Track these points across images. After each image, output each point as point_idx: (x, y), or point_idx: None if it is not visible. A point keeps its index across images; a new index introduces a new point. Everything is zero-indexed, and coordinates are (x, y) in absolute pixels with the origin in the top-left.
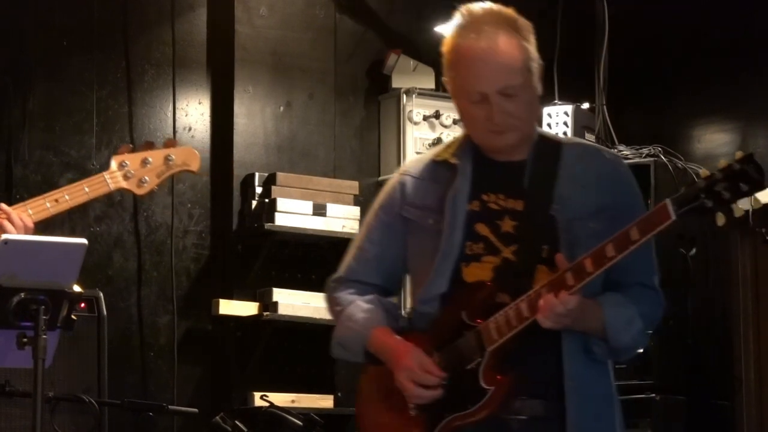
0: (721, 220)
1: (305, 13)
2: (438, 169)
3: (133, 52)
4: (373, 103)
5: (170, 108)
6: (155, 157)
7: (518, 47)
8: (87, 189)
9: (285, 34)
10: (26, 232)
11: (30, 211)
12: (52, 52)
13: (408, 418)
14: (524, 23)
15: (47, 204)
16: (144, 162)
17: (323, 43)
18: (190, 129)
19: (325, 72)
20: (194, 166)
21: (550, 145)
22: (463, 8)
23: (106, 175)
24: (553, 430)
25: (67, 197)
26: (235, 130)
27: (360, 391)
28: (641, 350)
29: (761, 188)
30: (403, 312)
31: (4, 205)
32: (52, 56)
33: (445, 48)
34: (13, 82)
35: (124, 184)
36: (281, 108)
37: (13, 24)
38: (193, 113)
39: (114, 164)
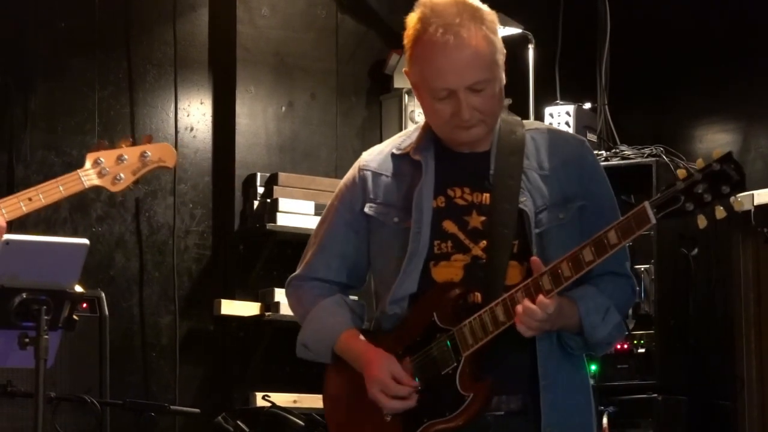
0: (702, 222)
1: (307, 13)
2: (399, 163)
3: (135, 52)
4: (375, 103)
5: (172, 108)
6: (130, 153)
7: (485, 40)
8: (61, 188)
9: (287, 34)
10: None
11: (3, 211)
12: (53, 52)
13: (383, 423)
14: (489, 13)
15: (21, 204)
16: (119, 159)
17: (325, 43)
18: (191, 129)
19: (327, 72)
20: (170, 162)
21: (513, 131)
22: (424, 0)
23: (80, 172)
24: (529, 424)
25: (41, 196)
26: (236, 130)
27: (327, 391)
28: (617, 344)
29: (742, 189)
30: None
31: None
32: (54, 56)
33: (406, 41)
34: (15, 82)
35: (98, 182)
36: (283, 108)
37: (15, 24)
38: (195, 113)
39: (89, 162)
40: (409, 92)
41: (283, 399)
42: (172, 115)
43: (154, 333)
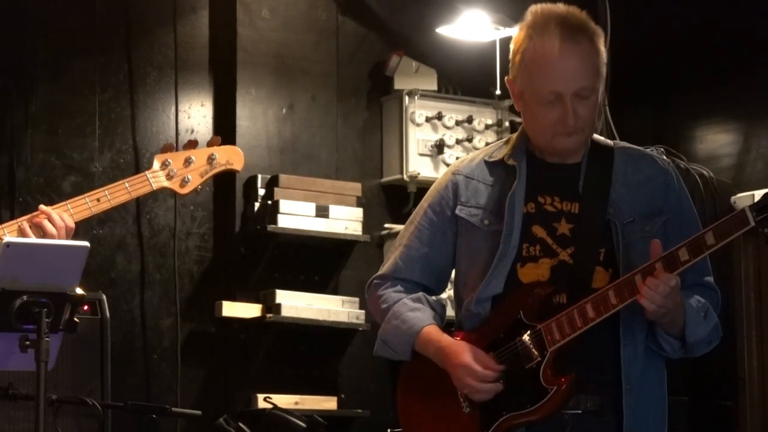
0: None
1: (307, 15)
2: (492, 170)
3: (136, 55)
4: (376, 104)
5: (173, 110)
6: (198, 156)
7: (593, 50)
8: (129, 188)
9: (287, 36)
10: (67, 232)
11: (71, 211)
12: (54, 54)
13: (461, 415)
14: (594, 26)
15: (89, 203)
16: (187, 161)
17: (325, 45)
18: (192, 131)
19: (328, 74)
20: (238, 165)
21: (602, 148)
22: (535, 8)
23: (148, 174)
24: (606, 425)
25: (108, 197)
26: (237, 132)
27: (403, 386)
28: (714, 345)
29: None
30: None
31: (43, 206)
32: (55, 59)
33: (516, 47)
34: (16, 85)
35: (166, 184)
36: (284, 110)
37: (16, 27)
38: (196, 115)
39: (157, 163)
40: (409, 94)
41: (284, 401)
42: (172, 117)
43: (156, 335)
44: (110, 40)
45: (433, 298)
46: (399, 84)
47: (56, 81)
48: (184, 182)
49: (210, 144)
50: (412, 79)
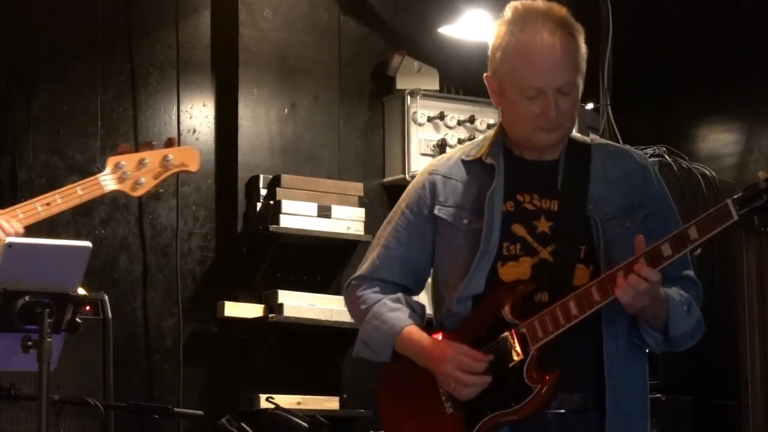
0: None
1: (309, 15)
2: (470, 168)
3: (138, 55)
4: (378, 104)
5: (174, 110)
6: (152, 157)
7: (575, 46)
8: (80, 191)
9: (289, 36)
10: (16, 237)
11: (20, 215)
12: (56, 55)
13: (444, 416)
14: (575, 22)
15: (38, 207)
16: (140, 163)
17: (327, 45)
18: (194, 131)
19: (330, 74)
20: (193, 166)
21: (580, 145)
22: (515, 4)
23: (100, 177)
24: (589, 423)
25: (59, 200)
26: (239, 132)
27: (383, 389)
28: (698, 339)
29: None
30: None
31: None
32: (57, 59)
33: (496, 42)
34: (18, 86)
35: (118, 186)
36: (286, 110)
37: (18, 27)
38: (198, 115)
39: (109, 166)
40: (411, 93)
41: (286, 401)
42: (174, 117)
43: (158, 335)
44: (112, 40)
45: (414, 298)
46: (401, 84)
47: (58, 81)
48: (136, 185)
49: (166, 145)
50: (414, 78)
